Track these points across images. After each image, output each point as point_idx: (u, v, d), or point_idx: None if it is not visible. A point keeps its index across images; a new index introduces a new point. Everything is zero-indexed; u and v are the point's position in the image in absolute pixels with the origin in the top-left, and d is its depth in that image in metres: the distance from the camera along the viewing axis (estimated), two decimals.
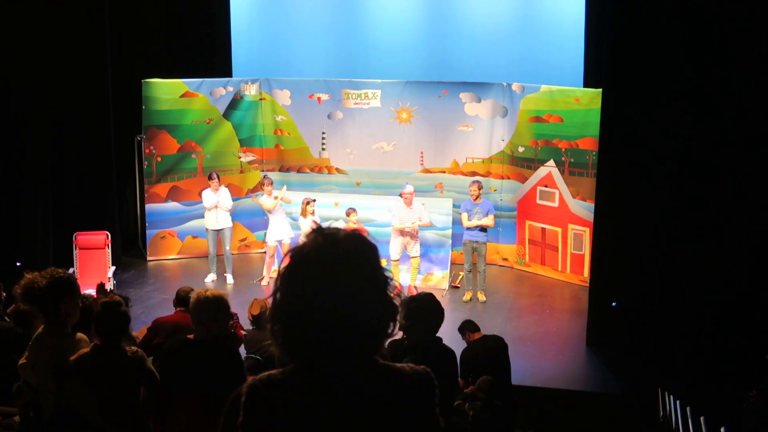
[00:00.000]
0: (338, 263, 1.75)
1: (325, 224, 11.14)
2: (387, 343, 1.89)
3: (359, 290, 1.75)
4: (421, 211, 10.34)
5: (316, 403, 1.75)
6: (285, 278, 1.79)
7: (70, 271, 4.32)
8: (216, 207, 10.67)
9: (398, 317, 1.84)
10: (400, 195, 10.35)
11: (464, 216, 10.27)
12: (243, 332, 6.57)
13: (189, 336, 4.58)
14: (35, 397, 4.26)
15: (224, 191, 10.78)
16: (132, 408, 4.23)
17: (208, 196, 10.70)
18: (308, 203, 10.37)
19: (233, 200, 11.10)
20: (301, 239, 1.89)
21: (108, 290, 4.47)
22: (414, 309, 4.57)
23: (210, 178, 10.75)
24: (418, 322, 4.56)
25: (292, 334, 1.77)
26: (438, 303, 4.76)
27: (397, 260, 10.41)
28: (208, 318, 4.39)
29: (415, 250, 10.36)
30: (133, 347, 4.36)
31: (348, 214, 10.34)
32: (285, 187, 10.91)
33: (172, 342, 4.69)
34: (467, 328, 6.74)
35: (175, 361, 4.39)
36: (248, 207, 11.94)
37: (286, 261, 1.83)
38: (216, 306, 4.40)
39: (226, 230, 10.80)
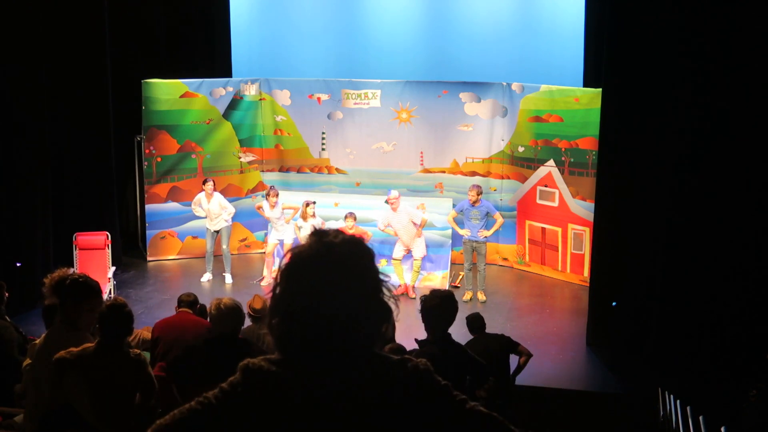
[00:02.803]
0: (332, 265, 1.83)
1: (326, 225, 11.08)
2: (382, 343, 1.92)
3: (351, 291, 1.82)
4: (411, 214, 10.29)
5: (307, 394, 1.78)
6: (284, 276, 1.87)
7: (70, 271, 4.35)
8: (209, 212, 10.67)
9: (393, 318, 1.89)
10: (386, 202, 10.29)
11: (453, 212, 10.39)
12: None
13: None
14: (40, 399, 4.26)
15: (218, 197, 10.71)
16: (126, 410, 4.22)
17: (203, 202, 10.70)
18: (308, 205, 10.32)
19: (232, 201, 11.12)
20: (303, 240, 1.93)
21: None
22: (424, 308, 4.80)
23: (204, 182, 10.75)
24: (426, 319, 4.79)
25: (288, 328, 1.84)
26: (447, 301, 4.82)
27: (399, 259, 10.40)
28: (239, 324, 4.92)
29: (418, 251, 10.34)
30: (136, 350, 4.37)
31: (345, 218, 10.22)
32: (293, 213, 10.68)
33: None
34: (470, 326, 6.74)
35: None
36: (248, 207, 11.91)
37: (286, 259, 1.90)
38: (240, 315, 4.96)
39: (224, 229, 10.79)
